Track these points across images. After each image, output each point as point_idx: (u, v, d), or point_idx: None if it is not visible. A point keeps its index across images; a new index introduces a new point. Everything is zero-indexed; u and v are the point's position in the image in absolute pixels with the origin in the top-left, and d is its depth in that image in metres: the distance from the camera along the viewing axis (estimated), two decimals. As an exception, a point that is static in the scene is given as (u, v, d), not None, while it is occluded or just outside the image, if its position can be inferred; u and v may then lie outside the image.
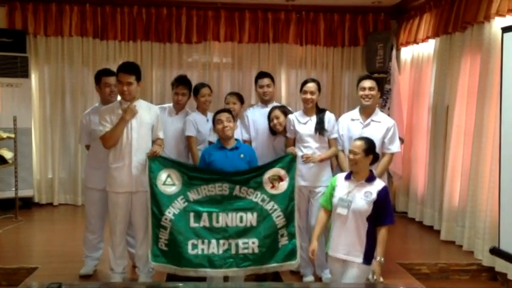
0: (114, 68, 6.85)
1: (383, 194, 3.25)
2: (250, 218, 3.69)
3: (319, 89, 4.11)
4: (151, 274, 4.04)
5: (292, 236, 3.74)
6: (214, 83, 6.92)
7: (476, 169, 4.75)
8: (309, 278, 4.20)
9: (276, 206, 3.72)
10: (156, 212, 3.67)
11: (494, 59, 4.45)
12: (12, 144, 5.99)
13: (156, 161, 3.73)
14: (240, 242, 3.67)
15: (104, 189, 3.98)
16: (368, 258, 3.24)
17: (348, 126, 4.17)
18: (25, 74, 6.38)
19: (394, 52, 6.19)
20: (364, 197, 3.24)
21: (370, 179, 3.31)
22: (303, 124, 4.12)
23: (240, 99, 4.64)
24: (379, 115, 4.18)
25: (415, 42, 6.23)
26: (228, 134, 3.79)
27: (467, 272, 4.68)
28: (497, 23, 4.47)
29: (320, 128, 4.06)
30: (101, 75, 4.24)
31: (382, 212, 3.23)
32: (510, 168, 3.69)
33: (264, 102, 4.63)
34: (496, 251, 3.87)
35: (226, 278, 3.83)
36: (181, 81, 4.62)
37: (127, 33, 6.75)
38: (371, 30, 7.00)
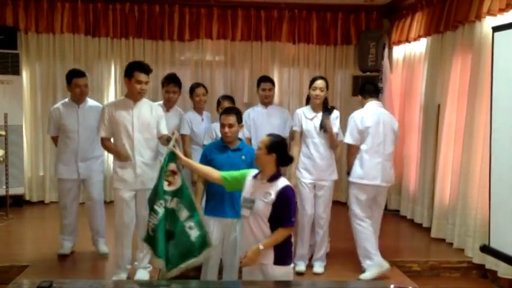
0: (107, 65, 6.86)
1: (283, 195, 2.99)
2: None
3: (327, 87, 4.36)
4: (149, 269, 4.08)
5: (199, 224, 3.38)
6: (207, 81, 6.89)
7: (467, 167, 4.78)
8: (301, 268, 4.37)
9: (179, 201, 3.41)
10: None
11: (485, 58, 4.47)
12: (3, 141, 5.95)
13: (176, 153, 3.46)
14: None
15: (75, 179, 4.53)
16: (281, 259, 3.04)
17: None
18: (16, 71, 6.33)
19: (386, 51, 6.21)
20: (263, 197, 3.01)
21: (273, 178, 3.07)
22: (309, 120, 4.35)
23: (233, 102, 4.76)
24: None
25: (407, 41, 6.26)
26: (228, 139, 3.71)
27: (457, 269, 4.71)
28: (488, 23, 4.49)
29: (324, 126, 4.28)
30: (72, 76, 4.49)
31: (281, 213, 2.98)
32: (500, 166, 3.71)
33: (265, 104, 5.09)
34: (486, 249, 3.89)
35: (220, 277, 3.85)
36: (171, 80, 4.82)
37: (119, 30, 6.73)
38: (363, 29, 7.02)
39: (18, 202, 6.46)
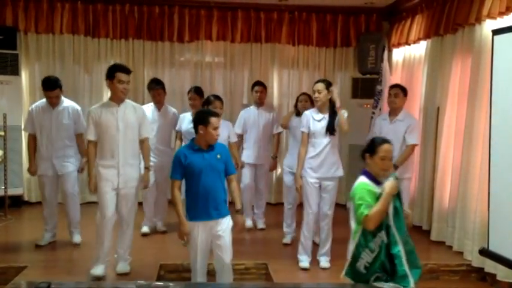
0: (106, 66, 6.88)
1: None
2: None
3: (327, 88, 4.46)
4: (129, 261, 4.32)
5: None
6: (206, 83, 6.93)
7: (467, 170, 4.78)
8: (305, 264, 4.57)
9: None
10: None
11: (484, 61, 4.47)
12: (2, 142, 5.95)
13: None
14: None
15: (52, 175, 4.84)
16: None
17: (380, 124, 5.12)
18: (15, 72, 6.32)
19: (386, 53, 6.20)
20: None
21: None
22: (317, 121, 4.50)
23: (222, 103, 5.00)
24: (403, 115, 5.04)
25: (407, 43, 6.26)
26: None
27: (456, 272, 4.70)
28: (488, 26, 4.49)
29: (330, 128, 4.43)
30: (43, 88, 4.77)
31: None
32: (500, 170, 3.71)
33: (257, 105, 5.75)
34: (485, 252, 3.89)
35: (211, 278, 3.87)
36: (157, 84, 5.43)
37: (119, 31, 6.73)
38: (363, 31, 7.02)
39: (17, 202, 6.45)
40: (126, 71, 4.07)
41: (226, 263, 3.72)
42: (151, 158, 5.19)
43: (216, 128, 3.62)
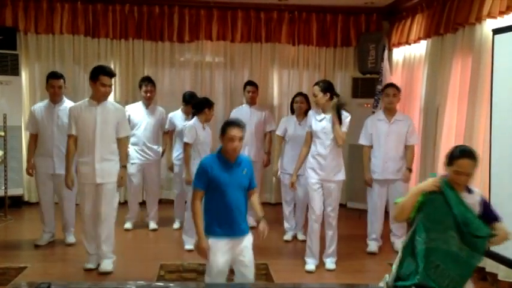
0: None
1: (486, 202, 2.95)
2: None
3: (324, 90, 4.46)
4: (113, 259, 4.35)
5: None
6: (206, 83, 6.93)
7: (467, 170, 4.77)
8: (311, 267, 4.55)
9: None
10: None
11: (485, 61, 4.46)
12: (2, 142, 5.94)
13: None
14: None
15: (50, 173, 4.90)
16: None
17: (376, 125, 5.14)
18: (15, 72, 6.32)
19: (386, 53, 6.20)
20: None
21: (469, 189, 2.91)
22: (318, 121, 4.51)
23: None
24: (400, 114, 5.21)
25: (407, 43, 6.26)
26: (235, 155, 3.36)
27: (457, 272, 4.69)
28: (488, 25, 4.48)
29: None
30: (49, 78, 4.91)
31: (493, 217, 2.93)
32: (500, 169, 3.71)
33: (249, 104, 5.89)
34: (486, 252, 3.88)
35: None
36: (149, 80, 5.68)
37: (119, 32, 6.73)
38: (363, 31, 7.02)
39: (17, 203, 6.45)
40: (110, 74, 4.25)
41: (249, 279, 3.44)
42: (139, 157, 5.51)
43: (231, 139, 3.27)
